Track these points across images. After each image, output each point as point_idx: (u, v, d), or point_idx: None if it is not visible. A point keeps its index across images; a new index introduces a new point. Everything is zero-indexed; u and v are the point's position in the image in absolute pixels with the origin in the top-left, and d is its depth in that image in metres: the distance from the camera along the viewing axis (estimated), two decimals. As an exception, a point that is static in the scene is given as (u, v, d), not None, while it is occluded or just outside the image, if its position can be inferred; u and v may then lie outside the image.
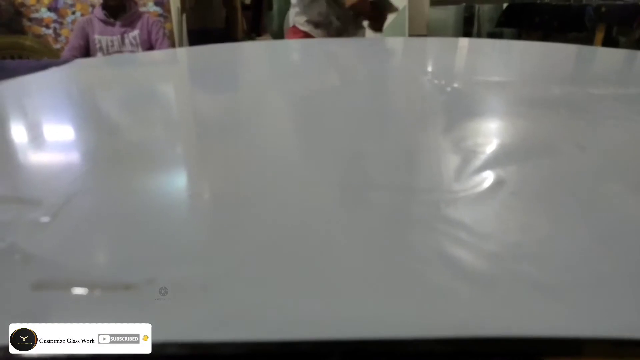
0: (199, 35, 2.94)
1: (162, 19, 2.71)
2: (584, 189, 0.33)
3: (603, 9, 1.80)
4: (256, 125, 0.49)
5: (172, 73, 0.93)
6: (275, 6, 3.31)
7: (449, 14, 4.15)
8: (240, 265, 0.23)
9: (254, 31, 3.11)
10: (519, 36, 3.23)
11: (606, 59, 0.93)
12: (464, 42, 1.29)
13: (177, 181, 0.36)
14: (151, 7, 2.74)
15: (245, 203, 0.30)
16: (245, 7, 3.40)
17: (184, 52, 1.38)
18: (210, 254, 0.25)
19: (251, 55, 1.13)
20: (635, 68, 0.81)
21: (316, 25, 1.55)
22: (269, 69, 0.94)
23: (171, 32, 2.76)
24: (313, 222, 0.27)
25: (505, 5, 3.69)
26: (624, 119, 0.48)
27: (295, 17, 1.62)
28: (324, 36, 1.56)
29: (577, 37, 2.01)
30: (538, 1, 2.08)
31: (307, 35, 1.58)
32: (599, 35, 1.83)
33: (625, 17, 1.82)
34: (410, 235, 0.26)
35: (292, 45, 1.32)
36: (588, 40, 1.85)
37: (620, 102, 0.56)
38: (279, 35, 3.20)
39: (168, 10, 2.76)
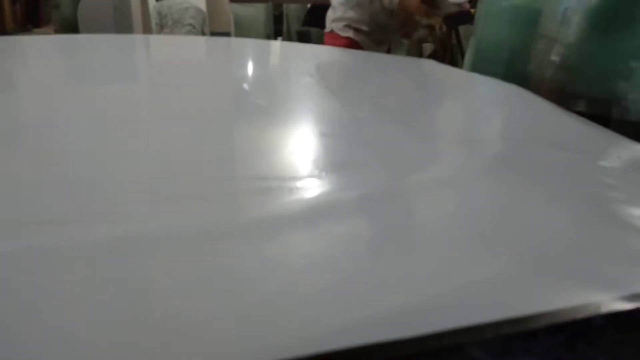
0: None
1: None
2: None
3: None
4: (38, 132, 0.42)
5: None
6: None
7: (258, 11, 4.21)
8: None
9: (31, 22, 2.68)
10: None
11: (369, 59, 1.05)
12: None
13: None
14: None
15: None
16: (18, -6, 2.89)
17: None
18: None
19: (25, 51, 0.96)
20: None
21: (357, 30, 1.40)
22: (51, 67, 0.81)
23: None
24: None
25: (309, 5, 3.95)
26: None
27: (332, 22, 1.44)
28: (366, 43, 1.40)
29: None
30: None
31: (349, 41, 1.39)
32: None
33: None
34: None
35: (79, 41, 1.17)
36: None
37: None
38: (72, 25, 2.77)
39: None
